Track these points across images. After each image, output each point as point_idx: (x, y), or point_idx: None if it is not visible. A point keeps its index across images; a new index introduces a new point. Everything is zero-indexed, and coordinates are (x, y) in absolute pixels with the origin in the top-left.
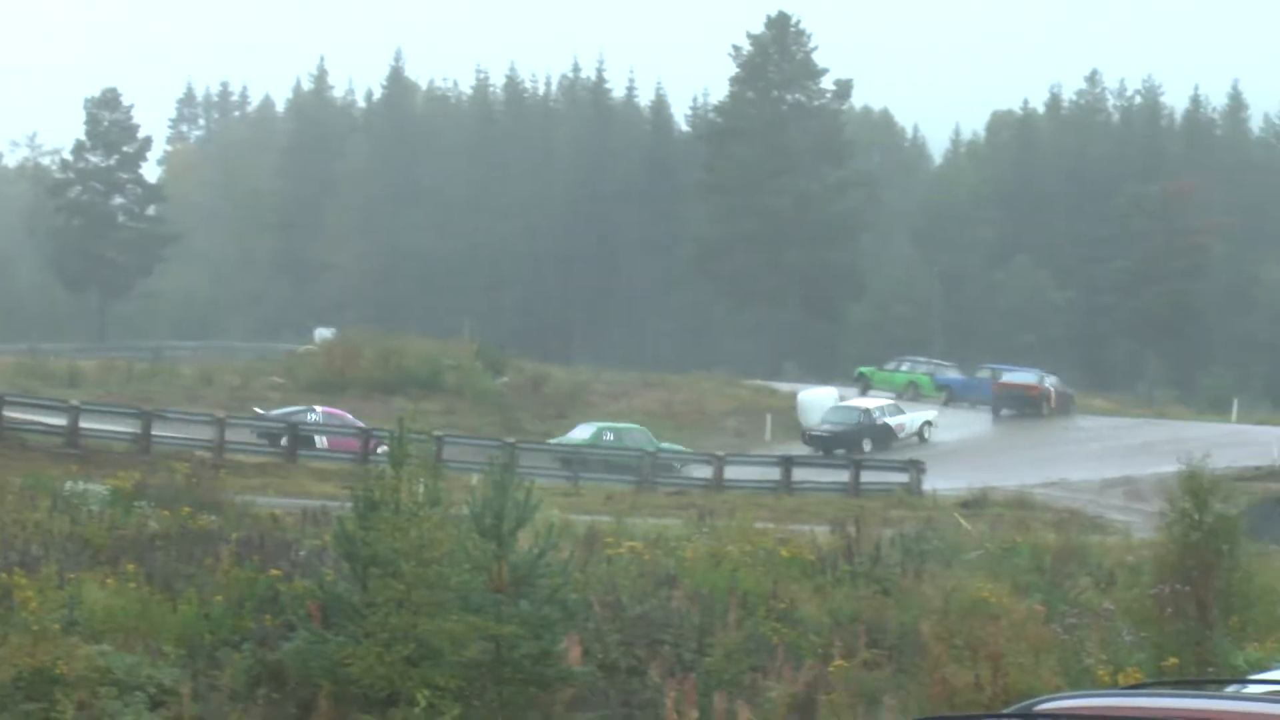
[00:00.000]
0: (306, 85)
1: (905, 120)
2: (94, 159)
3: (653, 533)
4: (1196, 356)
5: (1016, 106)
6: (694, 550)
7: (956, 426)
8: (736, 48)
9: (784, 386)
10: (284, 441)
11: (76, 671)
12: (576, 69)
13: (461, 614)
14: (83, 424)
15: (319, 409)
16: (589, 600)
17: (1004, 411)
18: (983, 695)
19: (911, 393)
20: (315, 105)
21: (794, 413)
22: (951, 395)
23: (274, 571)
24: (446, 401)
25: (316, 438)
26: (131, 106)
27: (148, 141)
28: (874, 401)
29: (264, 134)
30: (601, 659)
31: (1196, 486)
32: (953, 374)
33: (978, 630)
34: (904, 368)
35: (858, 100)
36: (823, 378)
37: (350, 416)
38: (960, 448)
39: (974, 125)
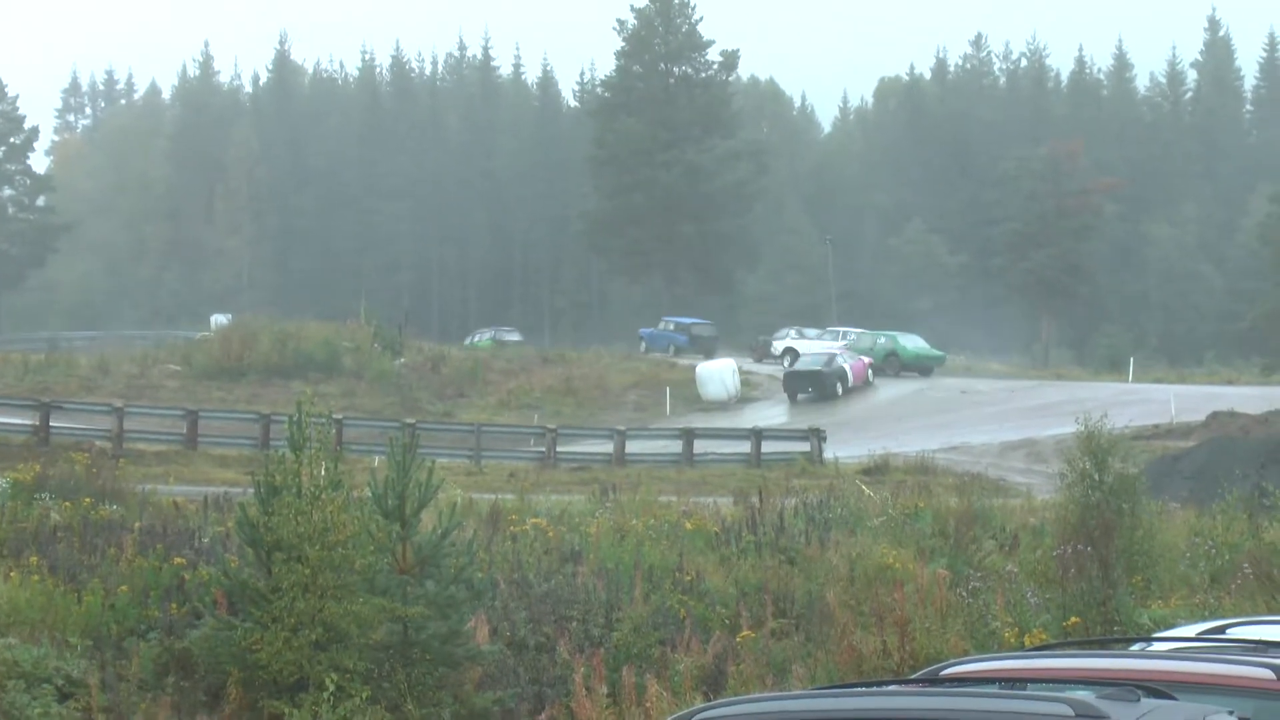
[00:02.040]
0: (192, 71)
1: (793, 89)
2: None
3: (556, 509)
4: (1090, 317)
5: (903, 72)
6: (598, 526)
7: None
8: (621, 21)
9: (682, 360)
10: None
11: None
12: (462, 47)
13: (367, 596)
14: None
15: None
16: (495, 579)
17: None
18: (890, 661)
19: None
20: (201, 91)
21: (693, 385)
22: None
23: (178, 560)
24: (345, 384)
25: None
26: (16, 97)
27: (34, 132)
28: (836, 347)
29: (151, 121)
30: (509, 637)
31: (1095, 447)
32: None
33: (883, 597)
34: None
35: (744, 71)
36: (720, 348)
37: None
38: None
39: (862, 92)
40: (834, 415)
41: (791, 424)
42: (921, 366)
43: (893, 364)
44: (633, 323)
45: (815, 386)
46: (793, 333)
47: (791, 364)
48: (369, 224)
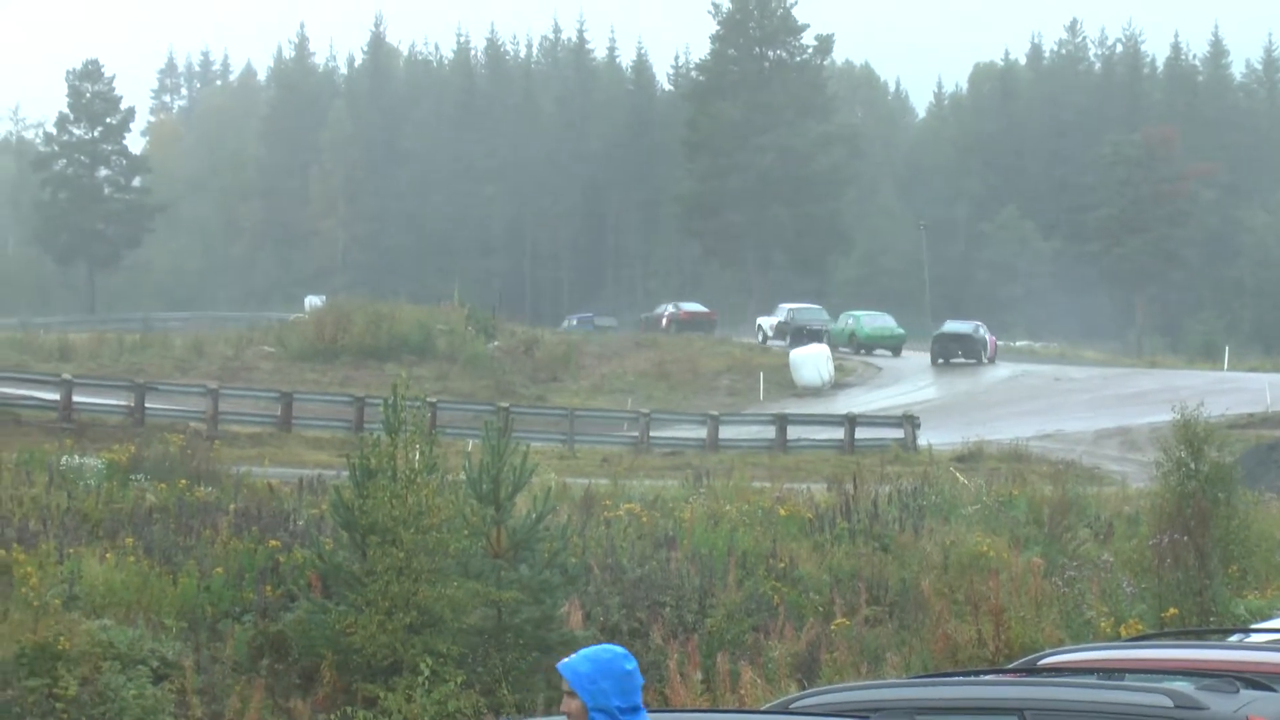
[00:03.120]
0: (288, 52)
1: (888, 74)
2: (77, 131)
3: (650, 494)
4: (1185, 304)
5: (998, 58)
6: (692, 511)
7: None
8: (716, 5)
9: (776, 344)
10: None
11: (78, 646)
12: (557, 30)
13: (461, 580)
14: (76, 398)
15: None
16: (589, 564)
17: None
18: (985, 650)
19: None
20: (297, 72)
21: (786, 370)
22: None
23: (273, 542)
24: (439, 367)
25: None
26: (113, 78)
27: (131, 112)
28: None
29: (246, 102)
30: (603, 622)
31: (1191, 435)
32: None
33: (978, 585)
34: None
35: (839, 55)
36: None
37: None
38: (954, 403)
39: (956, 78)
40: (928, 401)
41: (886, 410)
42: (884, 346)
43: (853, 343)
44: (725, 307)
45: (965, 349)
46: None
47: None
48: (462, 206)
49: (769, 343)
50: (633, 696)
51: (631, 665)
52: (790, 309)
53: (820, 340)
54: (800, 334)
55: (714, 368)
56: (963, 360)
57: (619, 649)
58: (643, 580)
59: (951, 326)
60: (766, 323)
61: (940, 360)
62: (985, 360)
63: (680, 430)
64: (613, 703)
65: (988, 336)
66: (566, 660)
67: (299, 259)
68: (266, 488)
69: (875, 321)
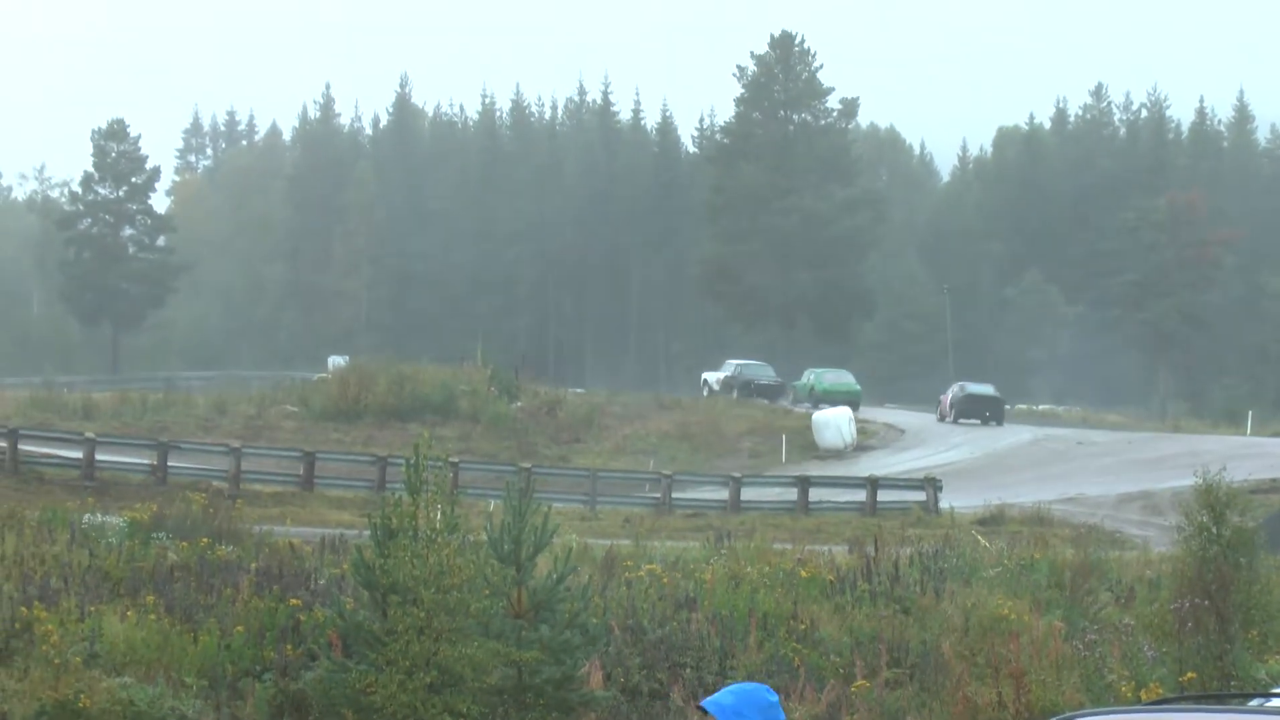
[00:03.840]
0: (313, 113)
1: (912, 137)
2: (103, 191)
3: (671, 555)
4: (1208, 369)
5: (1022, 122)
6: (713, 572)
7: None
8: (741, 68)
9: (798, 407)
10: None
11: (99, 704)
12: (582, 92)
13: (482, 640)
14: (99, 456)
15: None
16: (609, 624)
17: None
18: (1005, 713)
19: None
20: (322, 133)
21: (809, 433)
22: None
23: (294, 601)
24: (462, 427)
25: None
26: (139, 137)
27: (156, 172)
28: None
29: (271, 162)
30: (623, 683)
31: (1213, 500)
32: None
33: (999, 648)
34: None
35: (864, 118)
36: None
37: None
38: (976, 466)
39: (981, 141)
40: (950, 464)
41: (908, 473)
42: (841, 401)
43: (812, 397)
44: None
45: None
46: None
47: (961, 390)
48: (486, 267)
49: (712, 395)
50: None
51: (774, 698)
52: (737, 364)
53: (780, 394)
54: (747, 388)
55: (736, 429)
56: (983, 422)
57: (760, 685)
58: (663, 641)
59: (974, 388)
60: (712, 377)
61: (961, 420)
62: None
63: (702, 492)
64: None
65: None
66: (710, 697)
67: (322, 319)
68: (288, 546)
69: (834, 378)
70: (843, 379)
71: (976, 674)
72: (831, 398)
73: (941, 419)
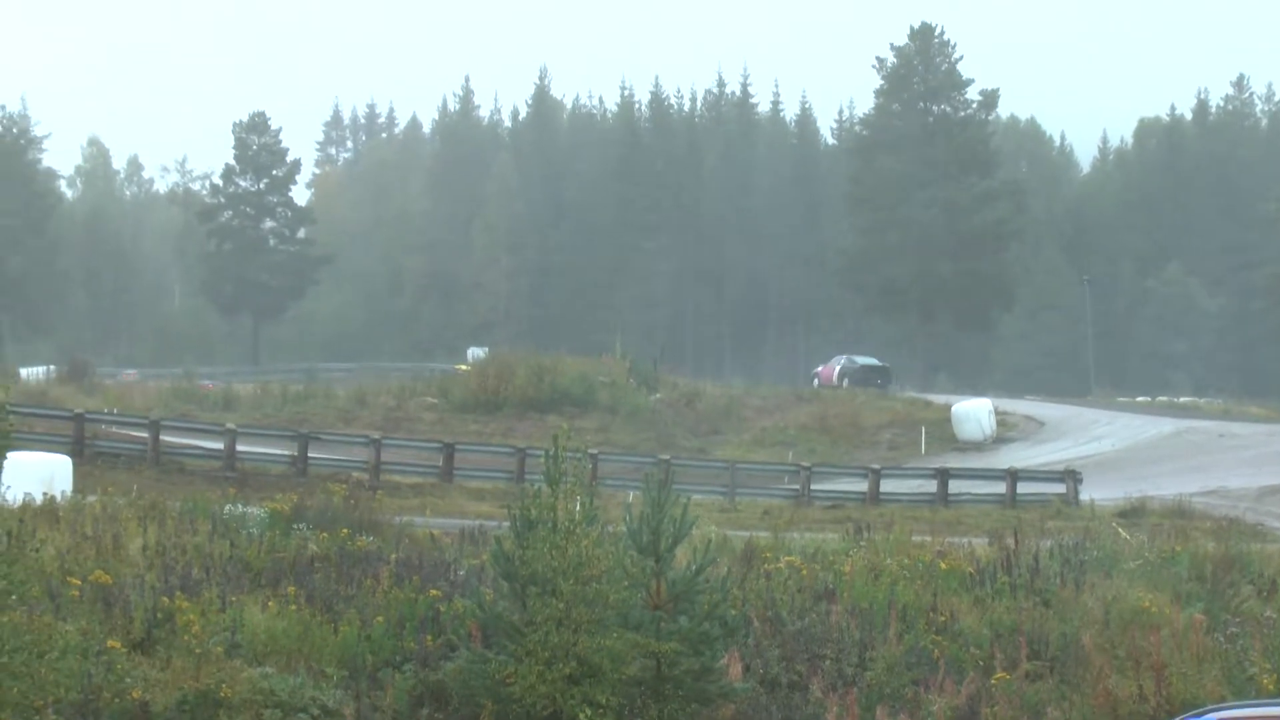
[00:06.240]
0: (452, 105)
1: (1052, 129)
2: (243, 183)
3: (810, 547)
4: None
5: (1163, 113)
6: (852, 564)
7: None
8: (881, 60)
9: (938, 399)
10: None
11: (240, 694)
12: (721, 83)
13: (621, 631)
14: (240, 447)
15: None
16: (748, 616)
17: None
18: (1146, 706)
19: None
20: (461, 125)
21: (949, 425)
22: None
23: (433, 592)
24: (600, 418)
25: None
26: (279, 130)
27: (296, 164)
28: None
29: (411, 155)
30: (762, 675)
31: None
32: None
33: (1139, 640)
34: None
35: (1004, 110)
36: (975, 388)
37: None
38: (1116, 458)
39: (1121, 133)
40: (1090, 457)
41: (1048, 465)
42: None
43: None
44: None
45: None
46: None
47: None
48: (625, 259)
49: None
50: None
51: None
52: (846, 357)
53: (888, 383)
54: (856, 378)
55: (875, 421)
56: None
57: None
58: (802, 633)
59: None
60: (824, 370)
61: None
62: None
63: (841, 484)
64: None
65: None
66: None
67: (462, 311)
68: (428, 538)
69: (863, 360)
70: (869, 362)
71: (1117, 667)
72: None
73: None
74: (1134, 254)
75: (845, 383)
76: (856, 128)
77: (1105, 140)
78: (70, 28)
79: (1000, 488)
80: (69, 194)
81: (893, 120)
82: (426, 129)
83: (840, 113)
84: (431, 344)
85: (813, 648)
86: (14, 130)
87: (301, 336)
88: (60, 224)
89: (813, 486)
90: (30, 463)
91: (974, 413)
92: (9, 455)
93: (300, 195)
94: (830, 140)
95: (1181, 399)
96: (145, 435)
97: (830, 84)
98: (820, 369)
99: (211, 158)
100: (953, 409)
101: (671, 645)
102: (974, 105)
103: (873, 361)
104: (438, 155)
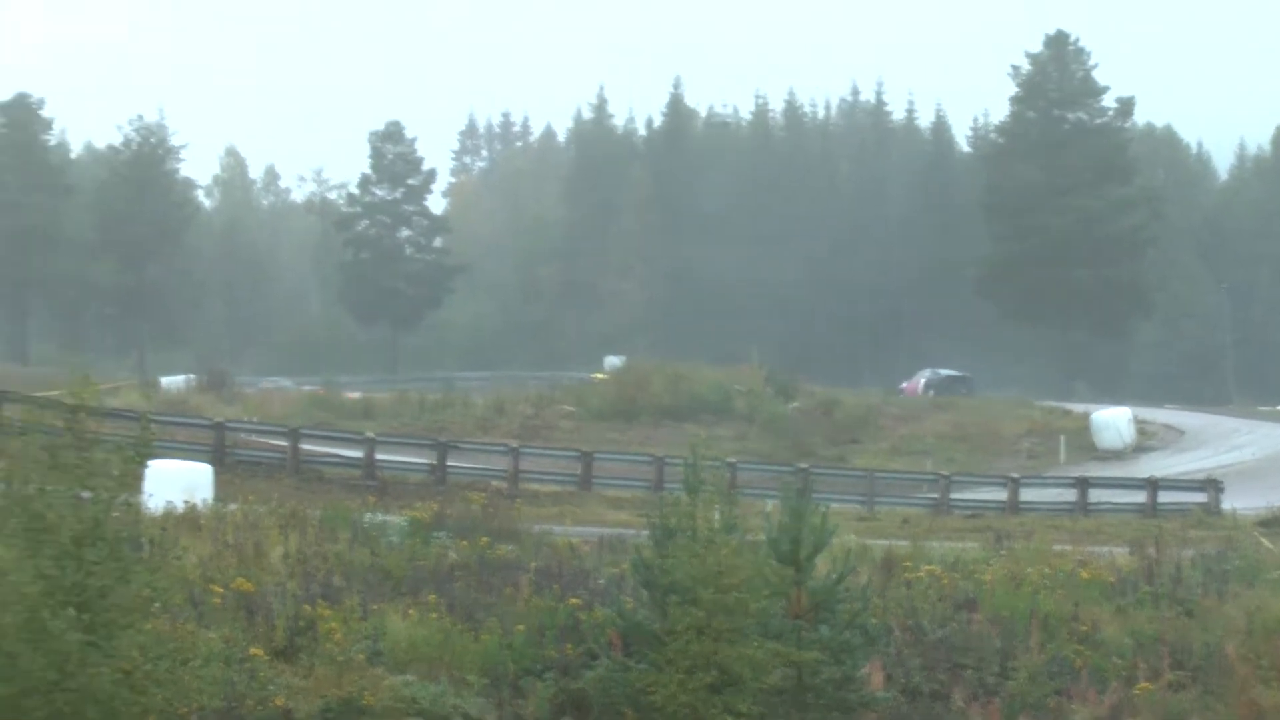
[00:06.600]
0: (587, 114)
1: (1189, 136)
2: (380, 192)
3: (950, 556)
4: None
5: None
6: (992, 573)
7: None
8: (1016, 67)
9: (1077, 407)
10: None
11: (382, 702)
12: (855, 92)
13: (761, 640)
14: (379, 456)
15: None
16: (889, 625)
17: None
18: None
19: None
20: (596, 134)
21: (1088, 433)
22: None
23: (573, 600)
24: (737, 427)
25: None
26: (415, 139)
27: (432, 174)
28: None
29: (545, 163)
30: (903, 684)
31: None
32: None
33: None
34: None
35: (1140, 117)
36: (1114, 396)
37: None
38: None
39: (1259, 140)
40: (1231, 465)
41: (1189, 474)
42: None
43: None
44: (1020, 370)
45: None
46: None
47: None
48: (759, 267)
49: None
50: None
51: None
52: (931, 370)
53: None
54: (941, 389)
55: (1014, 430)
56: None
57: None
58: (943, 642)
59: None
60: (909, 384)
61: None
62: None
63: (980, 492)
64: None
65: None
66: None
67: (597, 319)
68: (567, 546)
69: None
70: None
71: (1261, 677)
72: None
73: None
74: (1272, 261)
75: (931, 394)
76: (992, 135)
77: (1243, 147)
78: (208, 38)
79: (1140, 497)
80: (206, 203)
81: (1028, 128)
82: (561, 137)
83: (975, 121)
84: (567, 352)
85: (954, 657)
86: (152, 140)
87: (438, 345)
88: (198, 233)
89: (951, 495)
90: (172, 471)
91: (1113, 421)
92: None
93: (436, 204)
94: (965, 148)
95: None
96: (285, 444)
97: (965, 92)
98: (905, 384)
99: (348, 167)
100: (1092, 418)
101: (812, 654)
102: (1109, 113)
103: (955, 373)
104: (572, 163)
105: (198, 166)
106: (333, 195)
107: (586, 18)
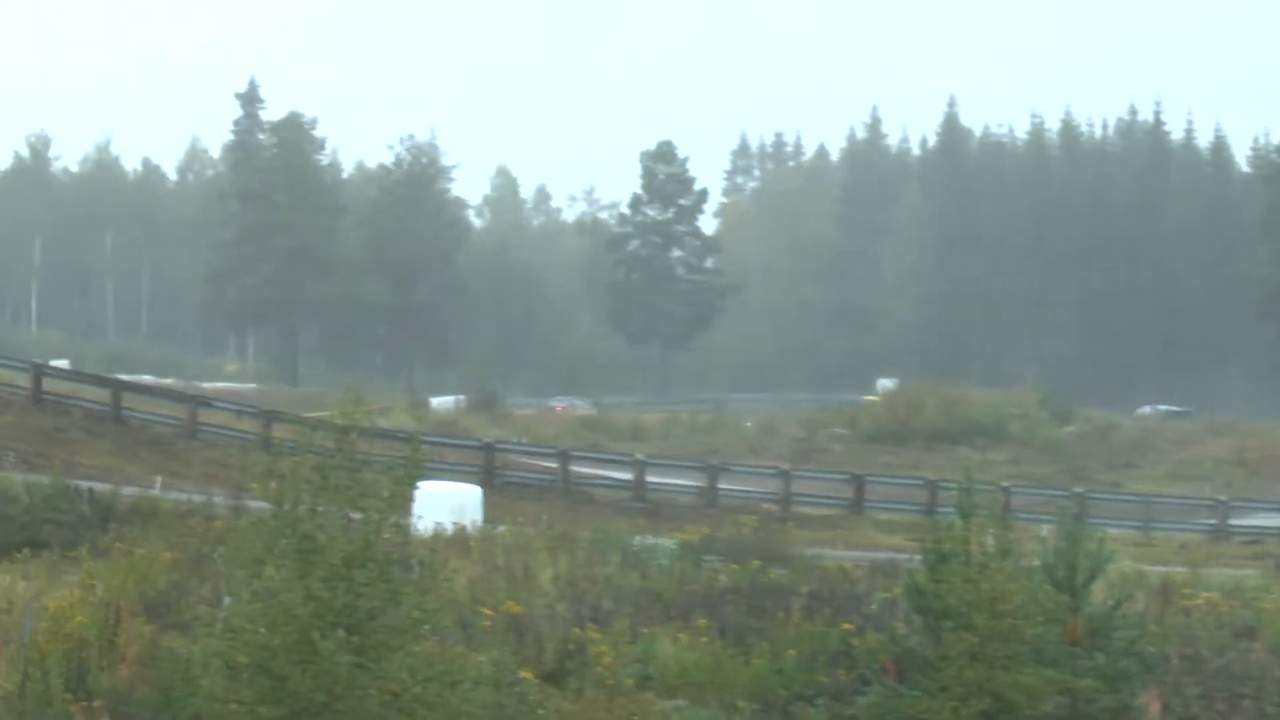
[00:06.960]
0: (860, 133)
1: None
2: (651, 212)
3: (1229, 583)
4: None
5: None
6: (1273, 601)
7: None
8: None
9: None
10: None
11: None
12: (1133, 111)
13: (1036, 667)
14: (648, 478)
15: None
16: (1166, 653)
17: None
18: None
19: None
20: (869, 153)
21: None
22: None
23: (845, 625)
24: (1011, 450)
25: None
26: (686, 159)
27: (704, 194)
28: None
29: (818, 183)
30: (1181, 713)
31: None
32: None
33: None
34: None
35: None
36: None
37: None
38: None
39: None
40: None
41: None
42: None
43: None
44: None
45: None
46: None
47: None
48: (1034, 288)
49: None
50: None
51: None
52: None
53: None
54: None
55: None
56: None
57: None
58: (1222, 671)
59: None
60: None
61: None
62: None
63: (1260, 519)
64: None
65: None
66: None
67: (869, 340)
68: (839, 570)
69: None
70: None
71: None
72: None
73: None
74: None
75: None
76: (1273, 155)
77: None
78: (479, 59)
79: None
80: (477, 223)
81: None
82: (834, 157)
83: (1256, 140)
84: (839, 374)
85: (1233, 686)
86: (423, 159)
87: (710, 366)
88: (468, 253)
89: (1230, 521)
90: (442, 492)
91: None
92: (421, 485)
93: (707, 224)
94: (1245, 168)
95: None
96: (554, 465)
97: (1246, 112)
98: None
99: (619, 187)
100: None
101: (1088, 682)
102: None
103: (1175, 408)
104: (846, 183)
105: (468, 186)
106: (604, 215)
107: (859, 36)
